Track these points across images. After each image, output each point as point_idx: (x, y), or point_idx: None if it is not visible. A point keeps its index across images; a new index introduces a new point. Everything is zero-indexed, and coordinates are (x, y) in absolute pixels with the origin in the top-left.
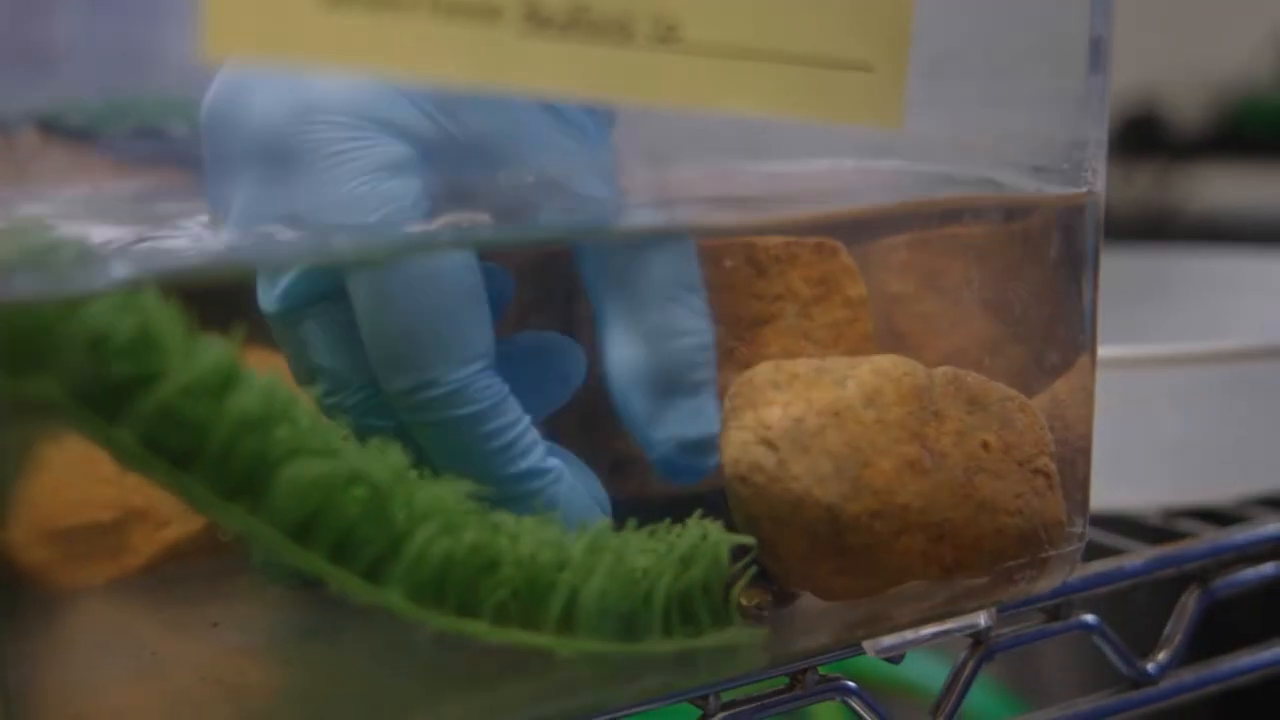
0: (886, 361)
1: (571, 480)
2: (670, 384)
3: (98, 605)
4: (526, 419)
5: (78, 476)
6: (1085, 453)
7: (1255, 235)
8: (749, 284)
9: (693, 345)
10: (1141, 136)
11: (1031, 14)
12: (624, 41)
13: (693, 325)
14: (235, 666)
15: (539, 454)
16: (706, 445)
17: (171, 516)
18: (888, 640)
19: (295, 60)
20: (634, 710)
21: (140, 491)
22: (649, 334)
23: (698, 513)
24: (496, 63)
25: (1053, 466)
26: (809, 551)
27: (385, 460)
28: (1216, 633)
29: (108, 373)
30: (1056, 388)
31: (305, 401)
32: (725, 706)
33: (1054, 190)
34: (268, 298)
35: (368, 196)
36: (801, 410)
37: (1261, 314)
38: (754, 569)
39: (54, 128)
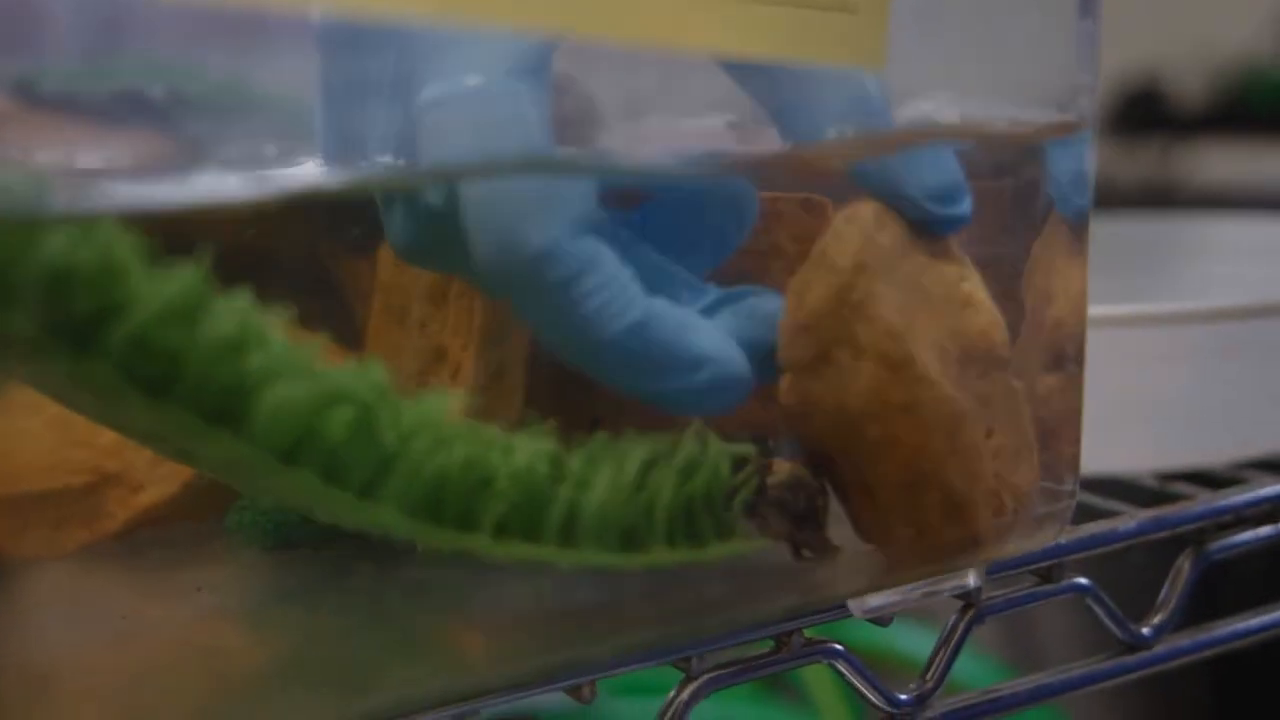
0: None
1: (678, 313)
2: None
3: (72, 571)
4: (624, 272)
5: (50, 441)
6: (1076, 412)
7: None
8: None
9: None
10: (1144, 112)
11: None
12: None
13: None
14: (212, 630)
15: (640, 308)
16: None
17: (146, 481)
18: (874, 600)
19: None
20: (616, 671)
21: (115, 455)
22: None
23: (696, 424)
24: (485, 3)
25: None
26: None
27: (368, 379)
28: (1224, 594)
29: (76, 304)
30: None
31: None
32: (709, 669)
33: (1044, 125)
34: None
35: None
36: None
37: (1257, 275)
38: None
39: (31, 93)
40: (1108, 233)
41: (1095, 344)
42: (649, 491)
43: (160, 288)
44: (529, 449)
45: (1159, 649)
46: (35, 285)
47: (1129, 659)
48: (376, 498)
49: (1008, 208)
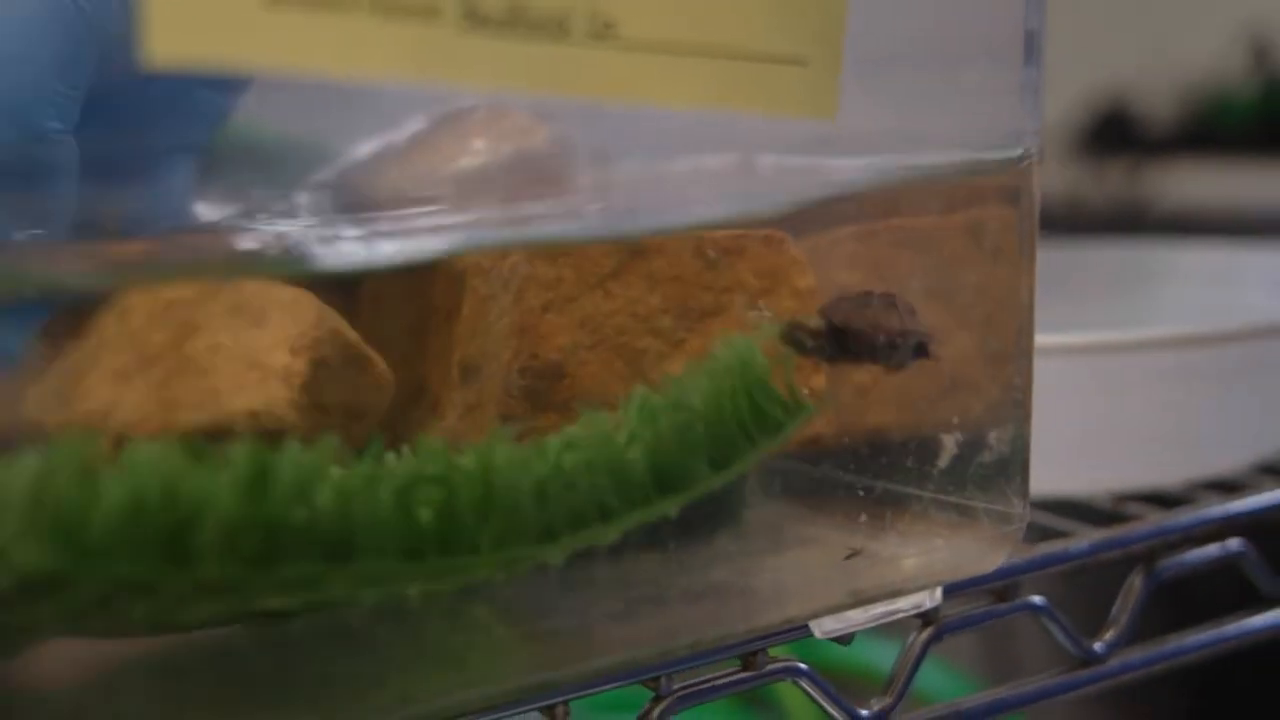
0: None
1: None
2: None
3: None
4: None
5: None
6: (1024, 437)
7: (1225, 230)
8: (698, 276)
9: None
10: (1113, 133)
11: (969, 10)
12: (562, 38)
13: None
14: None
15: None
16: None
17: None
18: (834, 622)
19: (239, 61)
20: (588, 692)
21: None
22: None
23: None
24: (436, 60)
25: None
26: None
27: (425, 455)
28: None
29: (157, 530)
30: (989, 370)
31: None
32: (678, 688)
33: (990, 172)
34: None
35: None
36: None
37: (1212, 301)
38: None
39: None
40: (1073, 259)
41: (1053, 371)
42: (707, 411)
43: (221, 476)
44: (593, 432)
45: (1111, 663)
46: (114, 528)
47: (1083, 673)
48: (493, 545)
49: (960, 245)
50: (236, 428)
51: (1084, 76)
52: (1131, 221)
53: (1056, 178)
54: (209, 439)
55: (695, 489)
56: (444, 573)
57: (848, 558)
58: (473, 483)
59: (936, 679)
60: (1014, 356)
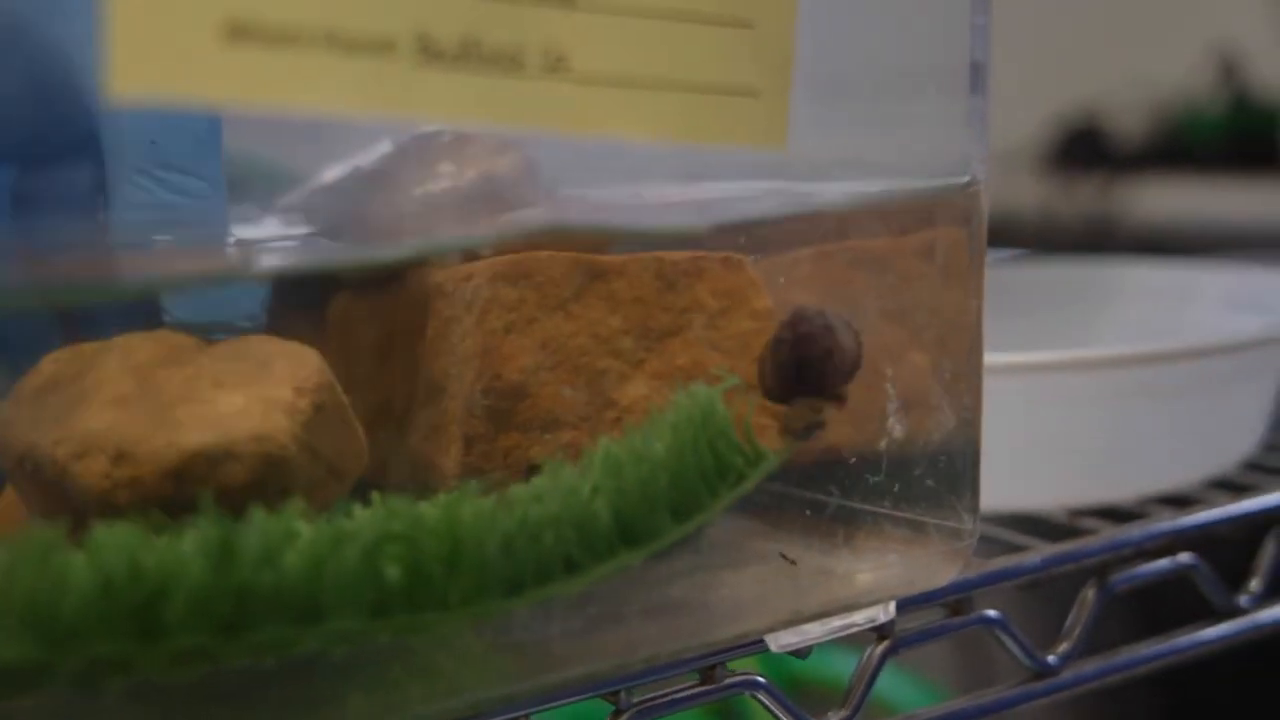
0: None
1: None
2: None
3: None
4: None
5: None
6: (974, 455)
7: (1194, 246)
8: (658, 297)
9: None
10: (1083, 149)
11: (916, 41)
12: (515, 71)
13: None
14: None
15: None
16: None
17: None
18: (790, 636)
19: (199, 97)
20: (548, 706)
21: None
22: None
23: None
24: (392, 94)
25: None
26: None
27: (391, 513)
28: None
29: (128, 609)
30: (940, 389)
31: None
32: (637, 702)
33: (940, 197)
34: None
35: None
36: None
37: (1172, 319)
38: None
39: None
40: (1032, 277)
41: (1010, 389)
42: (669, 460)
43: (185, 555)
44: (560, 485)
45: (1065, 675)
46: (83, 617)
47: (1036, 685)
48: (460, 601)
49: (909, 267)
50: (239, 450)
51: (1056, 94)
52: (1103, 237)
53: (1029, 194)
54: (209, 463)
55: (659, 541)
56: (412, 629)
57: (785, 560)
58: (439, 539)
59: (908, 692)
60: (964, 375)
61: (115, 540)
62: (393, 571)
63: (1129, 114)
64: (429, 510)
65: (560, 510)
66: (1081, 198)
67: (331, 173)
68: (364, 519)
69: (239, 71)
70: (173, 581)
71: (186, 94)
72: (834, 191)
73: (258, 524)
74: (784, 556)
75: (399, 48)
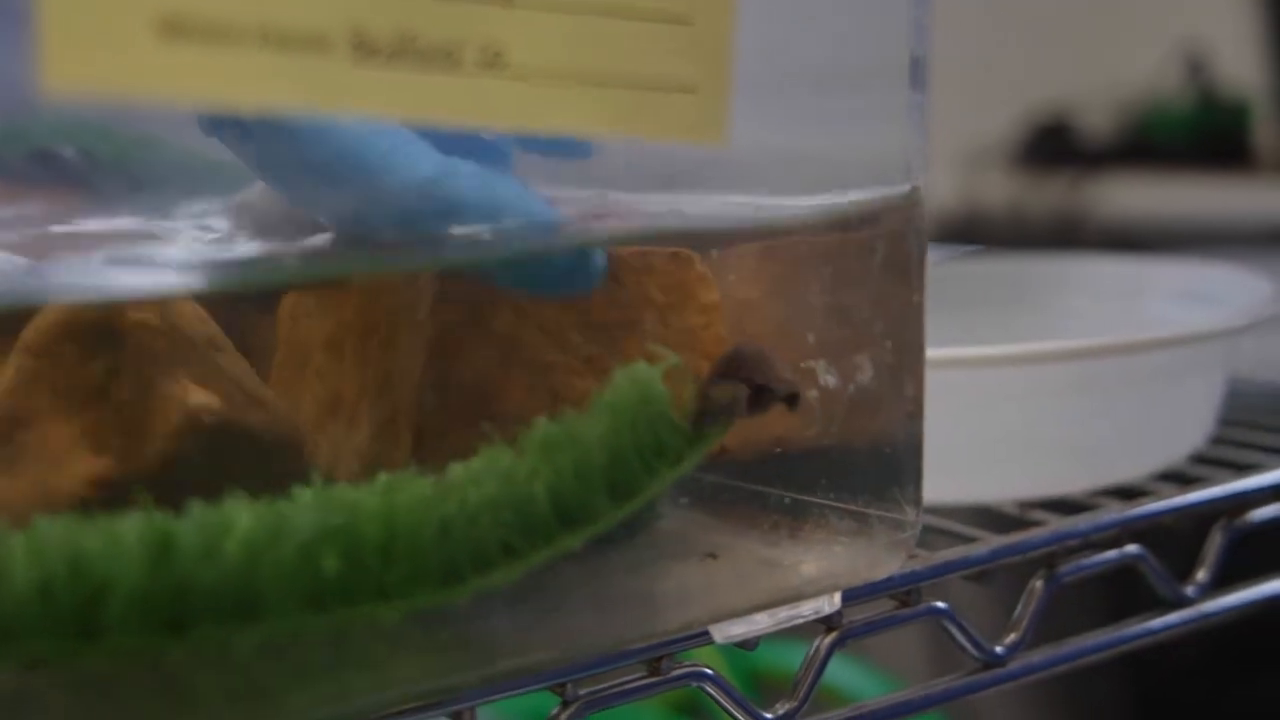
0: None
1: (481, 170)
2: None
3: None
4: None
5: None
6: (916, 447)
7: (1161, 242)
8: (607, 293)
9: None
10: (1052, 146)
11: (858, 37)
12: (452, 68)
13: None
14: None
15: (435, 160)
16: None
17: None
18: (736, 627)
19: (133, 92)
20: (494, 697)
21: None
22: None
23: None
24: (328, 91)
25: None
26: None
27: (332, 499)
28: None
29: (65, 610)
30: (881, 384)
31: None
32: (584, 695)
33: (880, 194)
34: None
35: None
36: None
37: (1125, 313)
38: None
39: None
40: (989, 273)
41: (961, 383)
42: (607, 442)
43: (126, 549)
44: (495, 468)
45: (1013, 666)
46: (22, 614)
47: (984, 675)
48: (395, 592)
49: (850, 261)
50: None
51: (1025, 91)
52: (1071, 233)
53: (998, 190)
54: None
55: (598, 523)
56: (350, 621)
57: (708, 556)
58: (376, 526)
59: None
60: (906, 368)
61: (56, 539)
62: (330, 564)
63: (1097, 111)
64: (367, 498)
65: (497, 493)
66: (1050, 194)
67: None
68: (303, 508)
69: (173, 67)
70: (112, 581)
71: (120, 89)
72: (779, 191)
73: (196, 519)
74: (711, 555)
75: (334, 44)
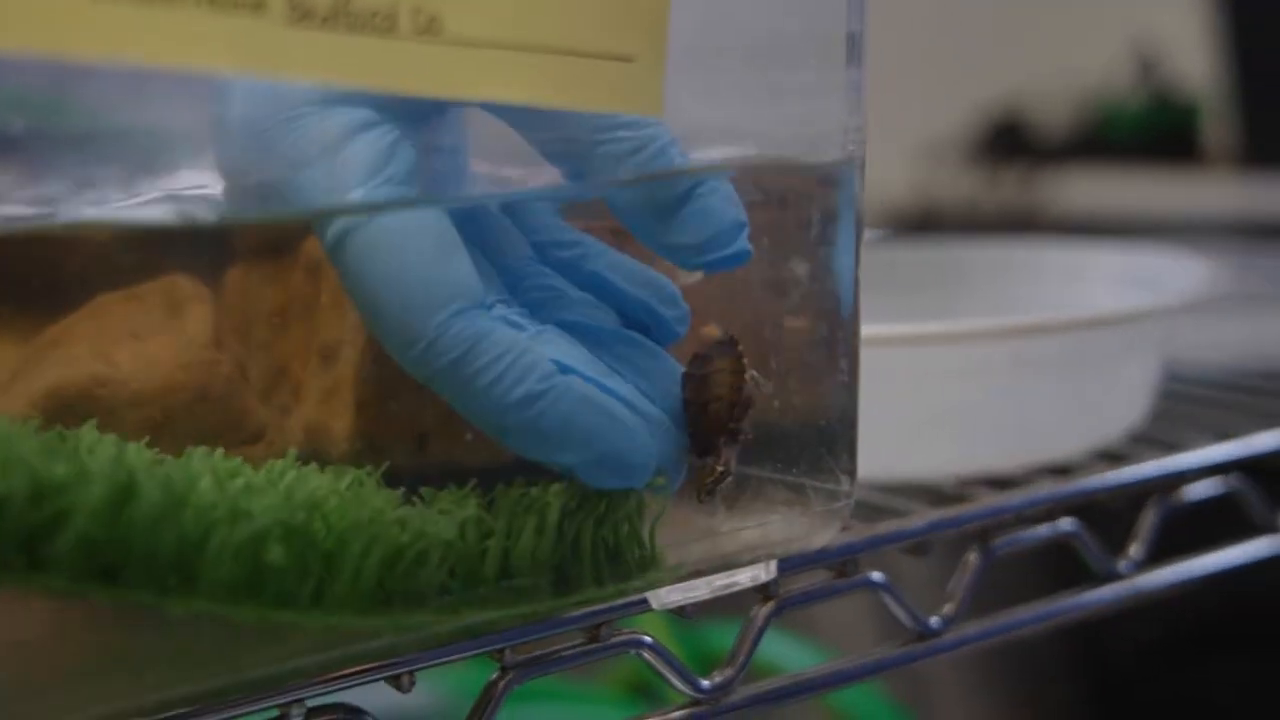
0: None
1: (585, 389)
2: (671, 201)
3: None
4: (522, 342)
5: None
6: (851, 420)
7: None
8: None
9: (653, 151)
10: (1007, 141)
11: (795, 13)
12: (387, 32)
13: (633, 139)
14: None
15: (535, 377)
16: (724, 237)
17: None
18: (672, 594)
19: (66, 51)
20: (433, 663)
21: None
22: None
23: None
24: (262, 53)
25: None
26: None
27: (294, 496)
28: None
29: (16, 532)
30: (816, 357)
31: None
32: (522, 661)
33: (817, 167)
34: None
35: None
36: None
37: (1068, 297)
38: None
39: None
40: (937, 257)
41: (901, 361)
42: (572, 534)
43: (90, 488)
44: (457, 514)
45: (947, 637)
46: None
47: (919, 646)
48: (327, 606)
49: (787, 235)
50: None
51: (980, 87)
52: (1025, 224)
53: (954, 185)
54: None
55: (533, 604)
56: (270, 621)
57: None
58: (331, 537)
59: (794, 653)
60: (840, 341)
61: (24, 457)
62: (276, 558)
63: (1052, 108)
64: (329, 499)
65: (456, 535)
66: (1005, 189)
67: None
68: (267, 492)
69: (108, 26)
70: (67, 517)
71: (53, 48)
72: (712, 161)
73: (161, 475)
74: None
75: (270, 7)
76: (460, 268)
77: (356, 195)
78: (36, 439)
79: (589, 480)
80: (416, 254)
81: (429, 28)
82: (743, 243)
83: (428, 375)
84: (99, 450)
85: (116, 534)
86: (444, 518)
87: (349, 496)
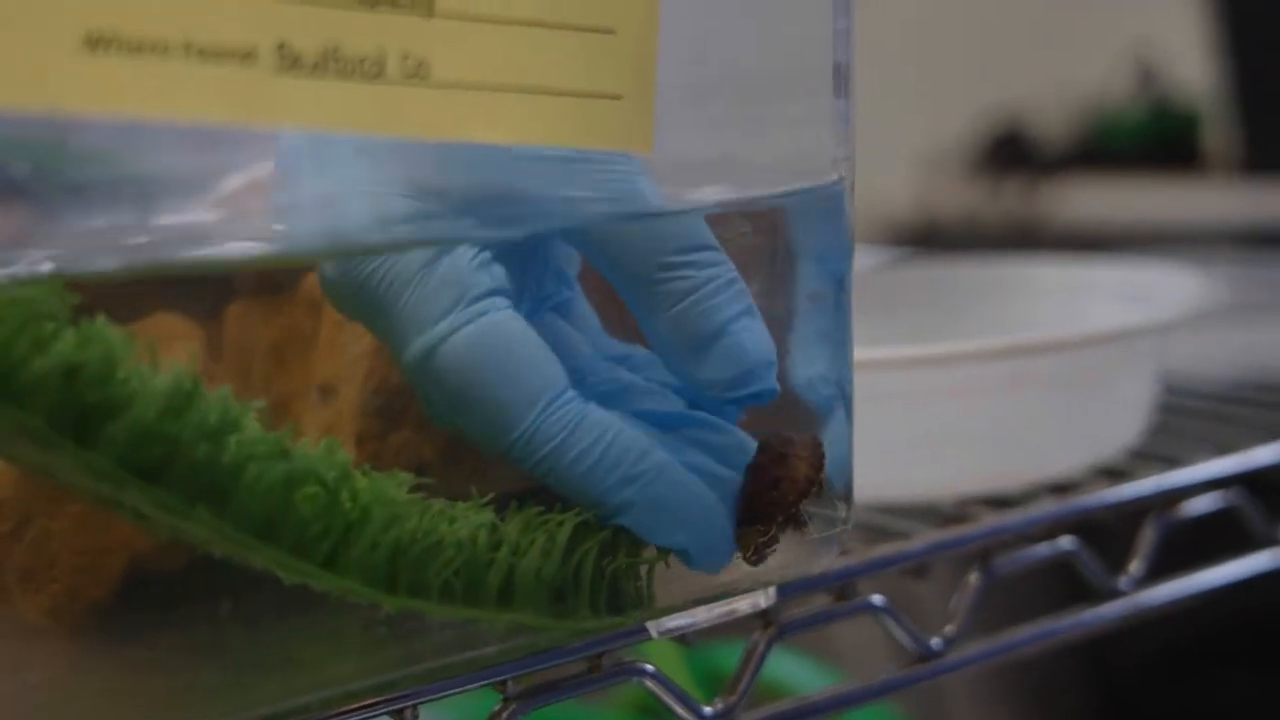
0: None
1: (677, 472)
2: (702, 336)
3: None
4: (615, 429)
5: None
6: (846, 444)
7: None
8: None
9: (704, 293)
10: (1008, 153)
11: (782, 46)
12: (375, 78)
13: (692, 279)
14: None
15: (632, 459)
16: (751, 375)
17: None
18: (672, 621)
19: (58, 105)
20: (437, 695)
21: None
22: (661, 304)
23: None
24: (252, 101)
25: None
26: None
27: (333, 459)
28: None
29: (81, 402)
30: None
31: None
32: (525, 692)
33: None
34: None
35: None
36: None
37: (1067, 312)
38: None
39: None
40: (933, 277)
41: (896, 382)
42: (577, 559)
43: (154, 383)
44: (472, 519)
45: (949, 658)
46: (41, 382)
47: (921, 668)
48: (338, 569)
49: (778, 264)
50: None
51: (980, 99)
52: (1027, 236)
53: (955, 197)
54: None
55: (533, 620)
56: (287, 569)
57: None
58: (354, 505)
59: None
60: (835, 364)
61: (98, 336)
62: (305, 503)
63: (1051, 118)
64: (363, 478)
65: (463, 539)
66: (1007, 199)
67: (232, 183)
68: (307, 451)
69: (99, 79)
70: (126, 406)
71: (45, 102)
72: (704, 194)
73: (222, 396)
74: None
75: (259, 56)
76: (543, 359)
77: (444, 324)
78: (123, 331)
79: (685, 561)
80: (505, 357)
81: (417, 72)
82: (771, 381)
83: (528, 466)
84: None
85: (168, 433)
86: (461, 519)
87: (380, 479)
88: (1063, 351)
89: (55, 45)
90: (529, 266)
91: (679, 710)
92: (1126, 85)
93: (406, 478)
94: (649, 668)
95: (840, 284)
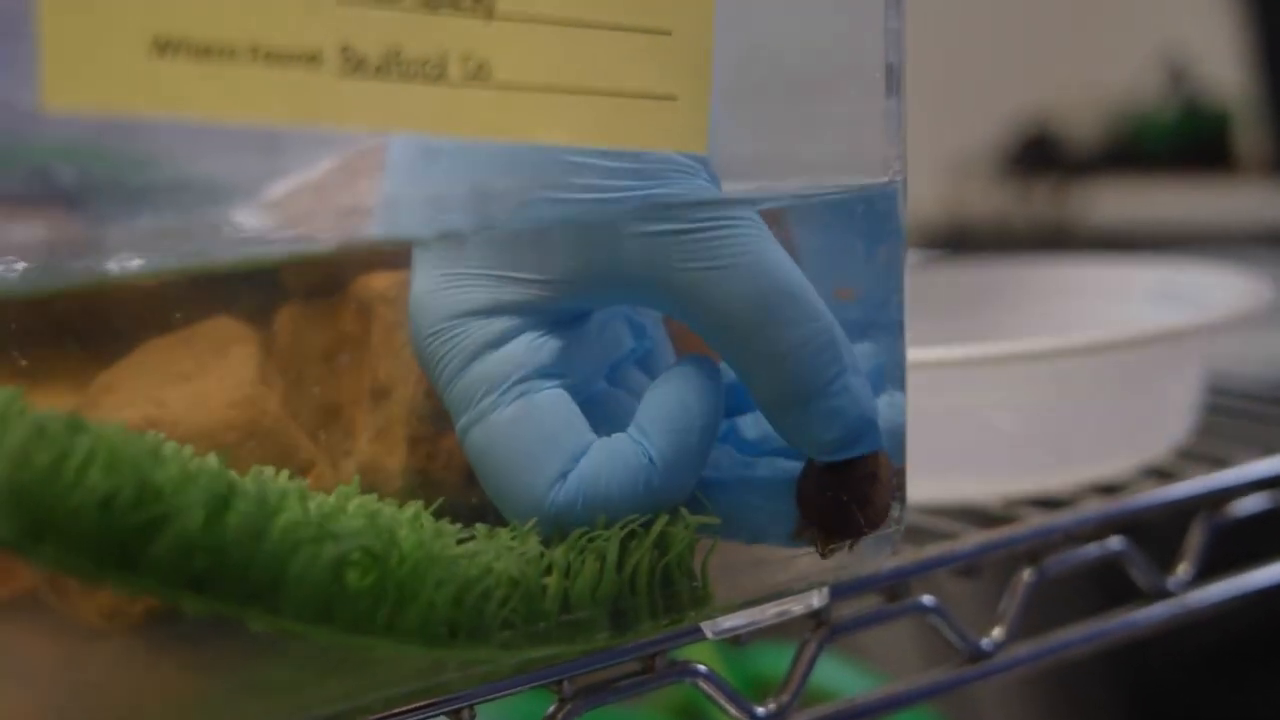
0: None
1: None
2: (798, 397)
3: None
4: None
5: None
6: (899, 445)
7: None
8: None
9: (809, 352)
10: (1038, 155)
11: (835, 47)
12: (437, 80)
13: (795, 336)
14: None
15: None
16: (850, 438)
17: None
18: (727, 621)
19: (129, 108)
20: (493, 696)
21: None
22: (760, 361)
23: None
24: (317, 103)
25: None
26: None
27: (375, 526)
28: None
29: (119, 528)
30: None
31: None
32: (580, 692)
33: (862, 193)
34: None
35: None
36: None
37: (1109, 313)
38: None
39: None
40: (976, 278)
41: (945, 384)
42: (630, 569)
43: (189, 494)
44: (517, 550)
45: (998, 659)
46: (77, 518)
47: (970, 669)
48: (399, 633)
49: (835, 263)
50: None
51: (1010, 101)
52: (1059, 239)
53: (985, 199)
54: None
55: (591, 640)
56: (347, 645)
57: None
58: (406, 566)
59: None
60: (888, 366)
61: (132, 459)
62: (354, 582)
63: (1082, 119)
64: (403, 530)
65: (518, 574)
66: (1037, 202)
67: (279, 188)
68: (350, 518)
69: (167, 84)
70: (169, 522)
71: (117, 106)
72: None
73: (256, 486)
74: None
75: (324, 59)
76: (566, 437)
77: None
78: (144, 442)
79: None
80: (528, 437)
81: (478, 74)
82: (875, 439)
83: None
84: (201, 460)
85: (211, 542)
86: (509, 554)
87: (418, 528)
88: (1113, 352)
89: (124, 49)
90: (597, 334)
91: (732, 710)
92: (1157, 86)
93: (450, 530)
94: (702, 668)
95: (895, 284)
